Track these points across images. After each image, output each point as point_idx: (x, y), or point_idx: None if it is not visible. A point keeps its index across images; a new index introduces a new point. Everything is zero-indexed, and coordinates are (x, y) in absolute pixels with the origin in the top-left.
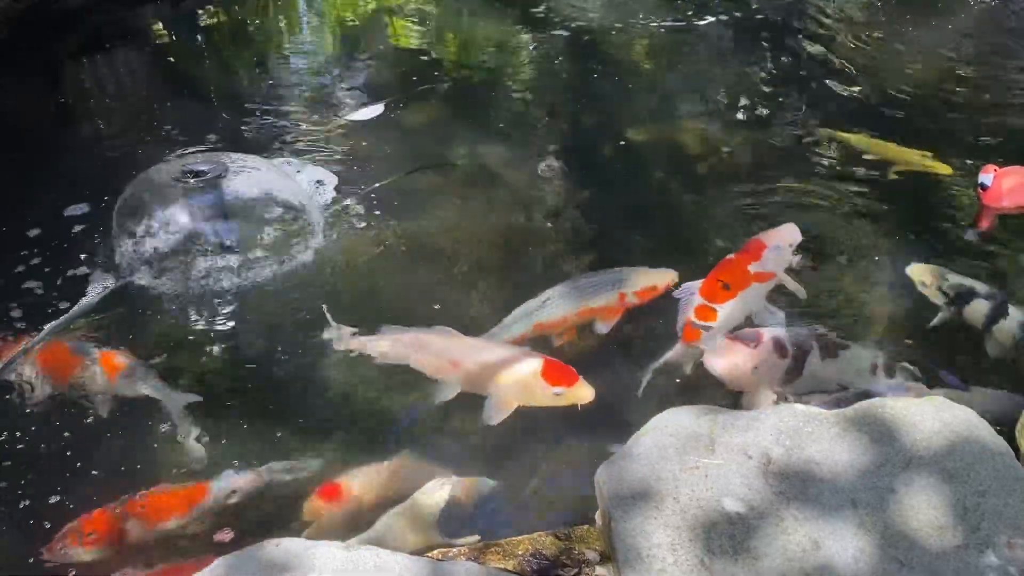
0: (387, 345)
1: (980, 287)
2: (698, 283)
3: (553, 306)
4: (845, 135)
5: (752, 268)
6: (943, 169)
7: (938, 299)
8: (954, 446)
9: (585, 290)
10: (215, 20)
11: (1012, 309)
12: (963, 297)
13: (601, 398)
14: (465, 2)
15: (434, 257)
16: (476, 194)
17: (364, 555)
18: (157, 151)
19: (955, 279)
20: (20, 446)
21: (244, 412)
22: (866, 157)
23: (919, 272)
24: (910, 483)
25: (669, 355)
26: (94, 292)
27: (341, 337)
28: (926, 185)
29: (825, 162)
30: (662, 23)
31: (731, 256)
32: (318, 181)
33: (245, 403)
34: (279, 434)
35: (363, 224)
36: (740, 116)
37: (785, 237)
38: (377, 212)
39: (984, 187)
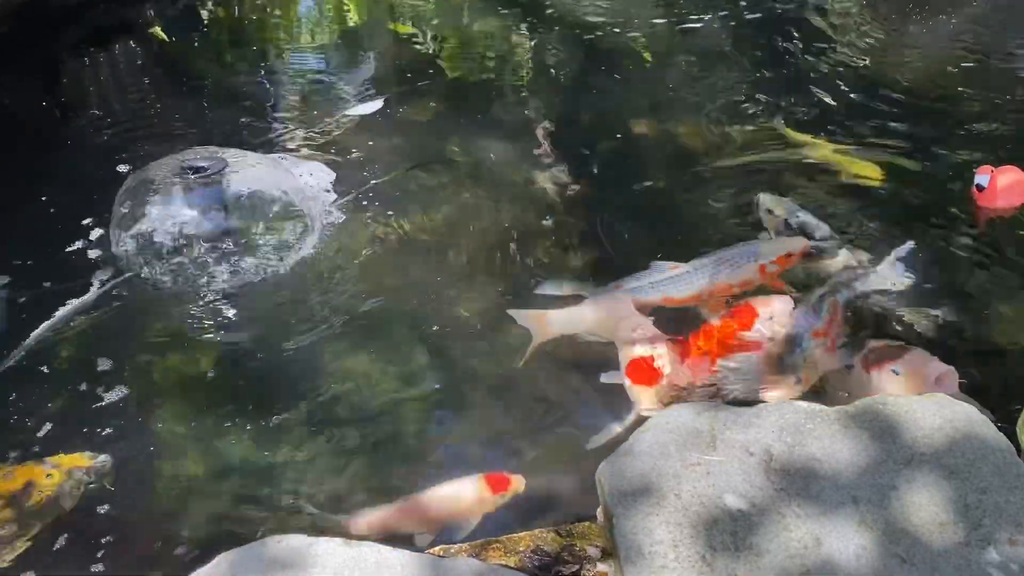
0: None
1: (821, 223)
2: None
3: (684, 281)
4: (791, 132)
5: (740, 337)
6: (873, 173)
7: (777, 227)
8: (955, 443)
9: (722, 264)
10: (214, 16)
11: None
12: (804, 228)
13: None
14: None
15: (433, 253)
16: (475, 190)
17: (366, 551)
18: (156, 147)
19: (802, 214)
20: None
21: (241, 408)
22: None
23: (770, 201)
24: (911, 480)
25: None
26: (92, 289)
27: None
28: (922, 185)
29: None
30: (661, 21)
31: (716, 321)
32: (317, 177)
33: (242, 400)
34: (275, 434)
35: (362, 220)
36: (740, 114)
37: (778, 308)
38: (376, 208)
39: (980, 188)
